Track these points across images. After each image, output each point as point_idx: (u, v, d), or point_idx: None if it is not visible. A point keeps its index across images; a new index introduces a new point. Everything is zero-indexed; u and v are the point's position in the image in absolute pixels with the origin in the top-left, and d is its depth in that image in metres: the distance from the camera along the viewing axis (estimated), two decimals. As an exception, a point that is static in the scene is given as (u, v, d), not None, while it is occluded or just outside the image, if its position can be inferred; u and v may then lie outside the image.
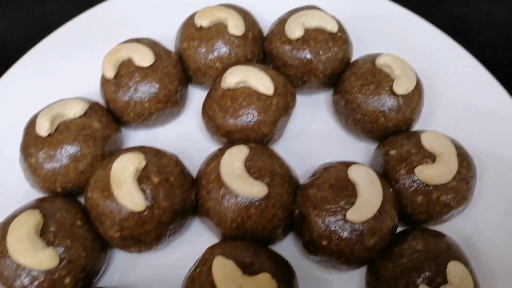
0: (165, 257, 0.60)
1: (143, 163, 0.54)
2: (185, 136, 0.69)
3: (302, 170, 0.63)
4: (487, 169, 0.65)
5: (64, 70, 0.73)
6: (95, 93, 0.67)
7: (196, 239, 0.60)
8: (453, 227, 0.60)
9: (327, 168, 0.58)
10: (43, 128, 0.57)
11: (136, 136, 0.69)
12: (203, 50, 0.66)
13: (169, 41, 0.71)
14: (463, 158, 0.58)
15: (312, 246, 0.54)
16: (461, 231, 0.61)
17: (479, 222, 0.62)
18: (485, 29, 0.90)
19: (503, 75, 0.74)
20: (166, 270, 0.59)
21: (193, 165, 0.61)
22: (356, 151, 0.68)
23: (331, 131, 0.70)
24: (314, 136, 0.70)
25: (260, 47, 0.70)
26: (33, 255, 0.49)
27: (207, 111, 0.63)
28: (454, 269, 0.50)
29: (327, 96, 0.73)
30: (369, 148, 0.67)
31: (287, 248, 0.60)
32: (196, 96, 0.72)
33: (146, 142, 0.65)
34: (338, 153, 0.67)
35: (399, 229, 0.57)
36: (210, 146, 0.66)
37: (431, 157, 0.57)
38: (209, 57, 0.66)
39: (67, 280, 0.51)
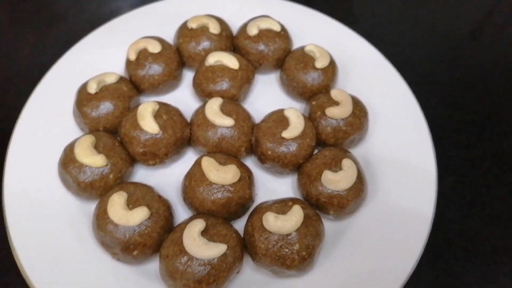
0: (170, 172, 0.92)
1: (157, 107, 0.87)
2: (181, 99, 1.01)
3: (259, 120, 0.96)
4: (379, 118, 0.99)
5: (107, 59, 1.06)
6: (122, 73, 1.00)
7: (191, 161, 0.92)
8: (357, 153, 0.94)
9: (272, 112, 0.91)
10: (92, 88, 0.89)
11: (150, 100, 1.01)
12: (193, 44, 1.00)
13: (170, 39, 1.06)
14: (357, 105, 0.92)
15: (262, 156, 0.87)
16: (363, 154, 0.95)
17: (373, 148, 0.95)
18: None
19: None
20: (172, 178, 0.90)
21: (188, 117, 0.94)
22: (295, 109, 1.02)
23: (279, 97, 1.04)
24: (268, 100, 1.03)
25: (231, 42, 1.05)
26: (91, 158, 0.80)
27: (196, 81, 0.97)
28: (345, 162, 0.82)
29: (277, 75, 1.07)
30: (304, 106, 1.01)
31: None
32: (188, 76, 1.05)
33: (155, 104, 0.98)
34: (284, 110, 1.00)
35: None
36: (198, 104, 0.98)
37: (336, 103, 0.91)
38: (197, 48, 1.00)
39: (111, 176, 0.82)
